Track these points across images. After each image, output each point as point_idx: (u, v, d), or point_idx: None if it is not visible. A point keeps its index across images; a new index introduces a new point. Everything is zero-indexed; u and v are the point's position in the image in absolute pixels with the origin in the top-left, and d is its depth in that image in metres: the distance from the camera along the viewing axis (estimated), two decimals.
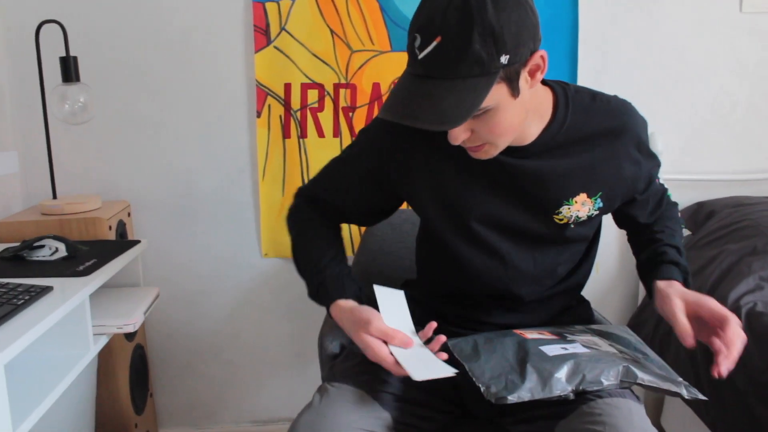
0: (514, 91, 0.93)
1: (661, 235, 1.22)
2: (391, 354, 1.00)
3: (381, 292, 1.10)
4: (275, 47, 1.86)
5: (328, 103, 1.89)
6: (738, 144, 2.08)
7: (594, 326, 1.27)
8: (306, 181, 1.57)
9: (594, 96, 1.12)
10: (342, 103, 1.90)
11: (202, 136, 1.92)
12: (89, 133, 1.88)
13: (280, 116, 1.89)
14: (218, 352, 2.06)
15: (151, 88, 1.88)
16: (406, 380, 1.13)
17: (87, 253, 1.46)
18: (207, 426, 2.11)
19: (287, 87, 1.88)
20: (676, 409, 1.93)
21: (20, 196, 1.89)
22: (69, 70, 1.63)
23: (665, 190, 1.28)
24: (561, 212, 1.11)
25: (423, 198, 1.14)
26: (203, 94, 1.89)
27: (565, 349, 1.06)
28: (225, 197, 1.96)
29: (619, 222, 1.29)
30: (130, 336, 1.80)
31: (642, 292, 2.04)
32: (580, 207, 1.11)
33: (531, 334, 1.11)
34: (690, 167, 2.07)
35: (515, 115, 0.97)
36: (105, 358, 1.71)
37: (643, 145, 1.14)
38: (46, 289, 1.17)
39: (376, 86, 1.88)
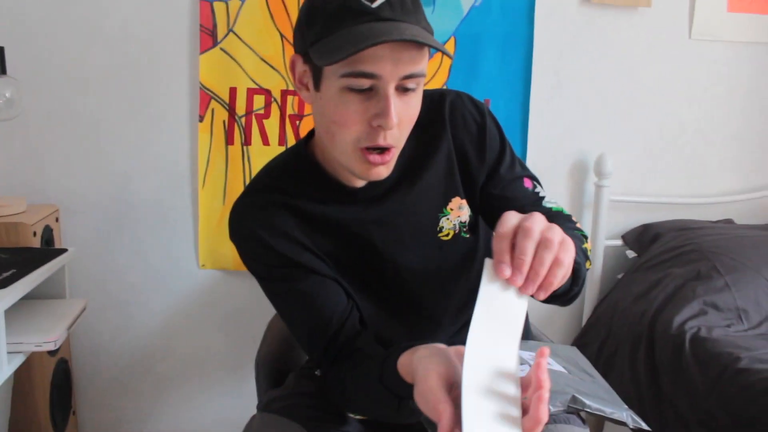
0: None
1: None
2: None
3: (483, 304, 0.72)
4: (221, 49, 1.77)
5: (275, 110, 1.82)
6: (685, 168, 2.10)
7: (539, 342, 1.25)
8: None
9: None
10: (289, 111, 1.82)
11: (140, 139, 1.81)
12: (16, 129, 1.74)
13: (224, 121, 1.81)
14: (149, 367, 1.94)
15: (85, 84, 1.76)
16: (364, 420, 1.07)
17: (6, 262, 1.34)
18: None
19: (232, 91, 1.79)
20: (618, 430, 1.92)
21: None
22: None
23: (543, 197, 1.09)
24: (443, 228, 1.05)
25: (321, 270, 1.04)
26: (143, 93, 1.79)
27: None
28: (162, 204, 1.86)
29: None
30: (52, 351, 1.68)
31: (587, 312, 2.04)
32: (459, 212, 1.05)
33: None
34: (638, 189, 2.08)
35: (420, 103, 0.93)
36: (23, 374, 1.58)
37: (474, 124, 1.04)
38: None
39: None
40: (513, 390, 0.68)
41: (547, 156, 1.99)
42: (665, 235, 1.95)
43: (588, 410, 0.97)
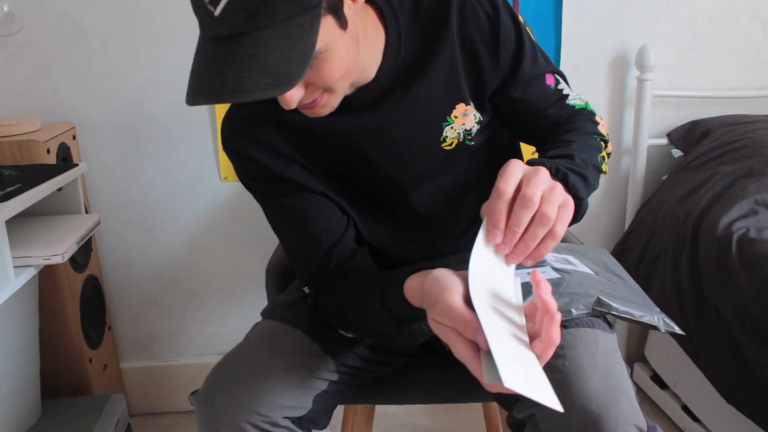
0: (342, 21, 0.76)
1: (559, 145, 0.92)
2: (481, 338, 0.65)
3: (481, 245, 0.72)
4: None
5: None
6: (739, 58, 1.90)
7: (567, 244, 1.17)
8: None
9: None
10: None
11: (152, 52, 1.75)
12: (25, 48, 1.70)
13: None
14: (178, 282, 1.95)
15: None
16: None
17: (13, 178, 1.32)
18: (171, 358, 2.02)
19: None
20: (660, 339, 1.84)
21: None
22: None
23: (567, 95, 1.01)
24: (447, 137, 0.96)
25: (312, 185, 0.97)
26: (154, 3, 1.71)
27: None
28: (180, 118, 1.80)
29: (517, 132, 1.06)
30: (78, 267, 1.69)
31: (630, 215, 1.92)
32: (464, 119, 0.96)
33: None
34: (684, 83, 1.90)
35: (349, 50, 0.79)
36: (50, 290, 1.60)
37: (486, 20, 0.93)
38: None
39: None
40: (517, 318, 0.69)
41: (583, 50, 1.83)
42: (715, 132, 1.79)
43: (615, 313, 0.90)
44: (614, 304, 0.90)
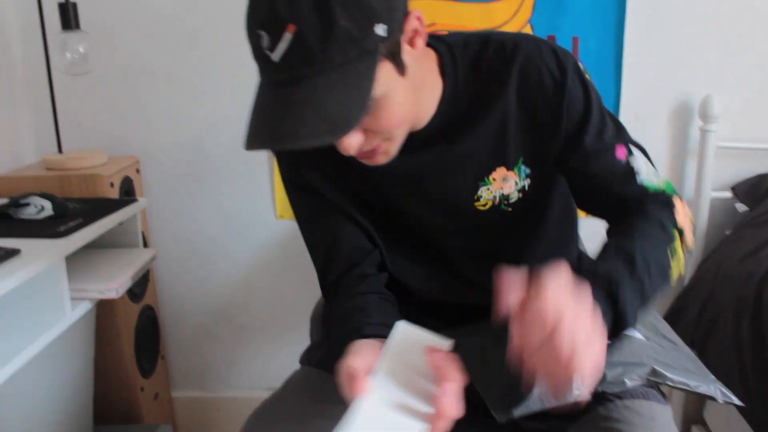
0: (400, 67, 0.76)
1: (617, 237, 0.86)
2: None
3: (401, 330, 0.79)
4: None
5: None
6: None
7: None
8: None
9: (486, 41, 0.92)
10: None
11: (215, 89, 1.81)
12: (95, 85, 1.80)
13: None
14: (231, 316, 1.99)
15: (158, 36, 1.77)
16: None
17: (76, 212, 1.38)
18: (221, 390, 2.06)
19: None
20: (721, 408, 1.76)
21: (32, 150, 1.84)
22: (68, 16, 1.54)
23: (638, 173, 0.93)
24: (481, 197, 0.95)
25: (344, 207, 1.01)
26: (216, 41, 1.78)
27: None
28: (239, 154, 1.86)
29: (579, 202, 1.02)
30: (136, 297, 1.75)
31: (689, 272, 1.85)
32: (502, 184, 0.94)
33: None
34: (751, 134, 1.83)
35: (407, 96, 0.79)
36: (107, 320, 1.66)
37: (551, 82, 0.90)
38: (12, 253, 1.10)
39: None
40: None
41: (644, 99, 1.80)
42: None
43: (670, 384, 0.86)
44: (669, 374, 0.86)
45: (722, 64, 1.78)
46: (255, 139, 0.72)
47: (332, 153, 0.93)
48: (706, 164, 1.77)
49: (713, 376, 0.92)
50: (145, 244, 1.69)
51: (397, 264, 1.04)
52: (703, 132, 1.76)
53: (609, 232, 0.94)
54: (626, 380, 0.85)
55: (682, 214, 0.91)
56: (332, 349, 0.88)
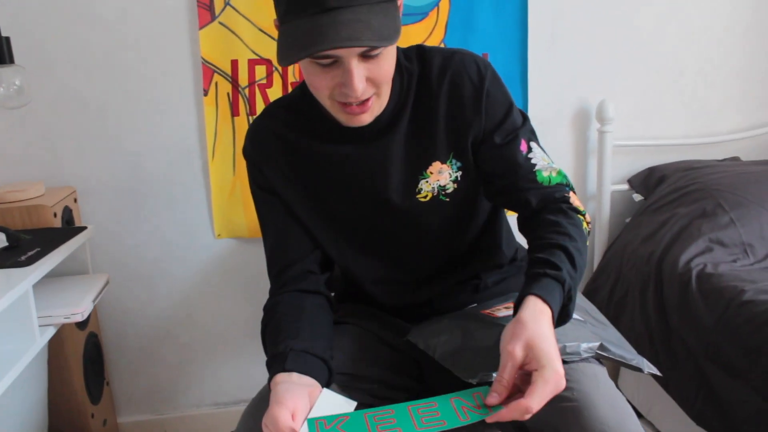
0: (399, 24, 0.92)
1: (550, 231, 1.02)
2: None
3: (327, 397, 0.94)
4: (220, 23, 1.80)
5: (277, 79, 1.85)
6: (687, 109, 2.10)
7: None
8: None
9: (423, 53, 1.09)
10: (291, 78, 1.85)
11: (148, 117, 1.86)
12: (28, 116, 1.80)
13: (228, 93, 1.85)
14: (175, 336, 2.02)
15: (90, 68, 1.80)
16: (360, 357, 1.13)
17: (30, 243, 1.41)
18: (167, 411, 2.08)
19: (234, 63, 1.83)
20: (631, 371, 1.97)
21: None
22: (1, 51, 1.55)
23: (537, 171, 1.08)
24: (422, 189, 1.10)
25: (296, 208, 1.14)
26: (148, 72, 1.83)
27: None
28: (174, 179, 1.91)
29: (487, 192, 1.15)
30: (81, 324, 1.75)
31: (597, 257, 2.07)
32: (438, 176, 1.09)
33: (500, 312, 1.11)
34: (641, 132, 2.09)
35: (395, 58, 0.99)
36: (56, 348, 1.66)
37: (478, 87, 1.05)
38: None
39: None
40: None
41: (548, 106, 2.01)
42: (670, 177, 1.97)
43: (611, 356, 1.00)
44: (612, 349, 1.00)
45: (614, 74, 2.03)
46: (313, 44, 0.85)
47: (292, 155, 1.09)
48: (605, 161, 2.00)
49: (636, 353, 1.08)
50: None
51: (346, 258, 1.17)
52: (601, 133, 1.99)
53: (527, 225, 1.10)
54: (581, 352, 0.99)
55: (575, 197, 1.10)
56: (266, 362, 1.01)
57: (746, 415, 1.38)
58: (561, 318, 0.96)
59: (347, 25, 0.85)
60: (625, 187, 2.08)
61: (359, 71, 0.91)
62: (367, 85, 0.94)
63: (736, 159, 2.11)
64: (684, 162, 2.05)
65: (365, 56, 0.91)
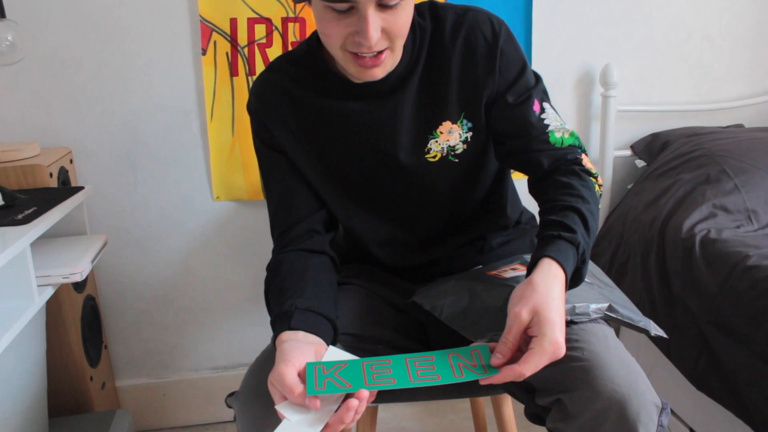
0: None
1: (562, 193, 1.00)
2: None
3: (332, 354, 0.92)
4: None
5: (277, 38, 1.81)
6: (692, 75, 2.08)
7: None
8: None
9: (436, 10, 1.05)
10: (291, 38, 1.81)
11: (145, 77, 1.82)
12: (23, 75, 1.75)
13: (227, 53, 1.81)
14: (173, 300, 2.01)
15: (88, 25, 1.75)
16: (365, 318, 1.12)
17: (26, 202, 1.38)
18: (165, 375, 2.07)
19: (233, 22, 1.79)
20: (631, 335, 1.98)
21: None
22: None
23: (550, 131, 1.07)
24: (431, 149, 1.08)
25: (302, 167, 1.12)
26: (145, 31, 1.78)
27: None
28: (172, 140, 1.87)
29: (498, 153, 1.13)
30: (79, 287, 1.74)
31: (599, 222, 2.06)
32: (449, 136, 1.07)
33: (506, 273, 1.10)
34: (645, 98, 2.06)
35: (412, 11, 0.96)
36: (54, 311, 1.64)
37: (492, 46, 1.03)
38: None
39: None
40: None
41: (552, 70, 1.98)
42: (674, 143, 1.95)
43: (620, 318, 0.99)
44: (621, 310, 1.00)
45: (618, 38, 2.00)
46: None
47: (298, 111, 1.06)
48: (608, 126, 1.98)
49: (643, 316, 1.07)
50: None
51: (351, 218, 1.15)
52: (604, 98, 1.96)
53: (539, 187, 1.08)
54: (591, 313, 0.98)
55: (587, 160, 1.08)
56: (270, 321, 0.99)
57: (748, 380, 1.38)
58: (573, 280, 0.94)
59: None
60: (628, 152, 2.06)
61: (375, 20, 0.88)
62: (382, 36, 0.91)
63: (740, 126, 2.09)
64: (688, 128, 2.03)
65: (383, 5, 0.88)
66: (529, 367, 0.82)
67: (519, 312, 0.84)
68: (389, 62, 0.97)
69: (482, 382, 0.84)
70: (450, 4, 1.07)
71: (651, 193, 1.86)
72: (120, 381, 2.04)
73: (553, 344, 0.82)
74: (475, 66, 1.03)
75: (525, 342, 0.86)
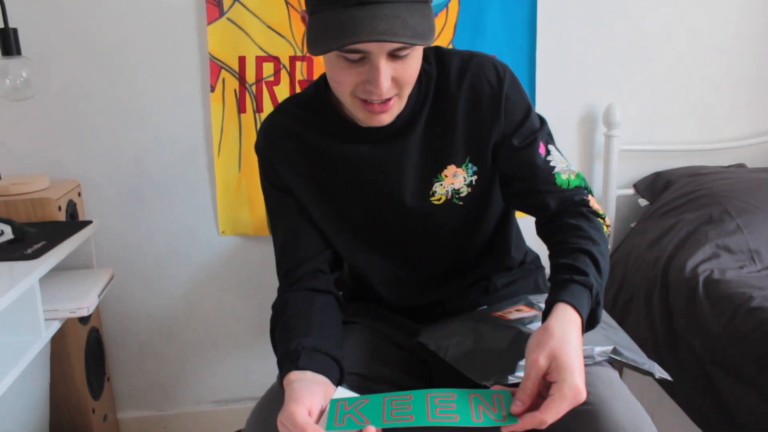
0: (434, 25, 0.91)
1: (572, 235, 1.00)
2: None
3: (342, 395, 0.92)
4: (228, 19, 1.79)
5: (284, 76, 1.84)
6: (694, 115, 2.10)
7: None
8: None
9: (441, 56, 1.07)
10: (298, 76, 1.85)
11: (154, 112, 1.85)
12: (34, 109, 1.79)
13: (235, 90, 1.84)
14: (176, 333, 2.01)
15: (98, 61, 1.79)
16: (370, 357, 1.13)
17: (35, 236, 1.39)
18: (167, 408, 2.07)
19: (242, 60, 1.82)
20: (634, 375, 1.97)
21: None
22: (9, 42, 1.54)
23: (556, 174, 1.07)
24: (435, 192, 1.09)
25: (308, 207, 1.13)
26: (154, 67, 1.82)
27: None
28: (179, 175, 1.90)
29: (505, 194, 1.14)
30: (84, 320, 1.74)
31: None
32: (453, 179, 1.09)
33: (511, 314, 1.10)
34: (647, 137, 2.09)
35: (420, 59, 0.97)
36: (58, 343, 1.65)
37: (497, 91, 1.04)
38: None
39: None
40: None
41: (555, 109, 2.00)
42: (677, 182, 1.97)
43: (624, 360, 1.00)
44: (625, 353, 1.00)
45: (620, 78, 2.03)
46: (356, 32, 0.84)
47: (305, 152, 1.08)
48: (611, 165, 2.00)
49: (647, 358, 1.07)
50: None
51: (357, 257, 1.16)
52: (607, 137, 1.98)
53: (547, 229, 1.09)
54: (595, 356, 0.99)
55: (594, 201, 1.09)
56: (277, 360, 0.99)
57: (754, 421, 1.37)
58: (589, 323, 0.94)
59: (384, 19, 0.84)
60: (631, 191, 2.07)
61: (386, 69, 0.90)
62: (391, 84, 0.93)
63: (741, 166, 2.11)
64: (690, 167, 2.05)
65: (394, 55, 0.90)
66: (551, 414, 0.81)
67: (537, 358, 0.84)
68: (396, 108, 0.98)
69: (504, 431, 0.84)
70: (455, 50, 1.09)
71: (654, 232, 1.87)
72: (122, 413, 2.03)
73: (573, 389, 0.82)
74: (481, 111, 1.05)
75: (545, 388, 0.86)
